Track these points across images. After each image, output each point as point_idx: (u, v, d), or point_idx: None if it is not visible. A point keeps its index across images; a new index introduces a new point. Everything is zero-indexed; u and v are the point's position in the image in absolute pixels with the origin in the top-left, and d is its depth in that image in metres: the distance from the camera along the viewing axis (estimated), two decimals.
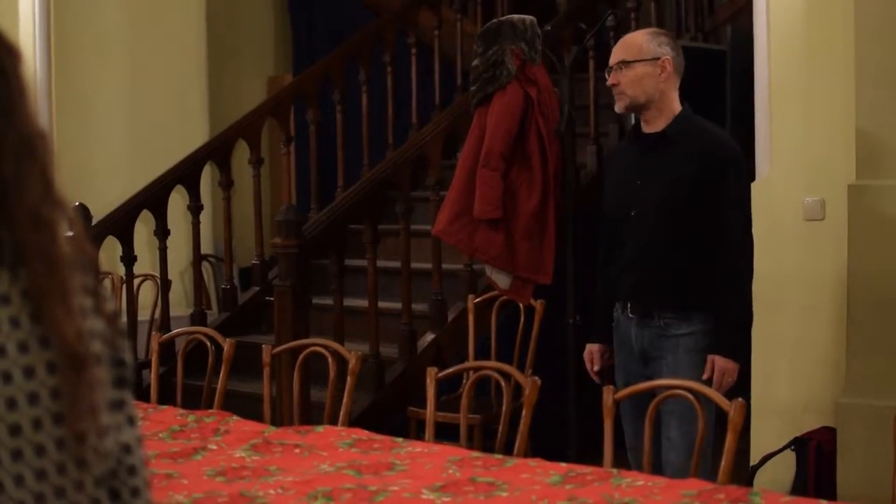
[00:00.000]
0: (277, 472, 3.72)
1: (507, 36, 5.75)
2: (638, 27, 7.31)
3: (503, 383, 4.35)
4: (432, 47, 8.53)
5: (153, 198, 7.22)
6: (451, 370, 4.47)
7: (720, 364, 4.48)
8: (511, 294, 5.86)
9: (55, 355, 1.50)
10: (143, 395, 5.80)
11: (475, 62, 5.88)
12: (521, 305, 6.10)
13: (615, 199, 4.75)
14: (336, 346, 4.74)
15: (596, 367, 4.82)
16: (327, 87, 8.17)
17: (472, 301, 6.30)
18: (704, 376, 4.45)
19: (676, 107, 4.65)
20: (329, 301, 6.25)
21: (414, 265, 6.49)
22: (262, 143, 7.80)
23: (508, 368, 4.32)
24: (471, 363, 4.48)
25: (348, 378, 4.55)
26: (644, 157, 4.68)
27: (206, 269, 8.26)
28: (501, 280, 5.76)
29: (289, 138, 7.89)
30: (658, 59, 4.62)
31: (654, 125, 4.66)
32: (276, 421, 4.77)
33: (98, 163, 7.98)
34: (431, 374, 4.33)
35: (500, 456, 3.91)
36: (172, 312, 7.27)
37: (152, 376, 5.10)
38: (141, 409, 4.56)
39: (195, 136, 8.30)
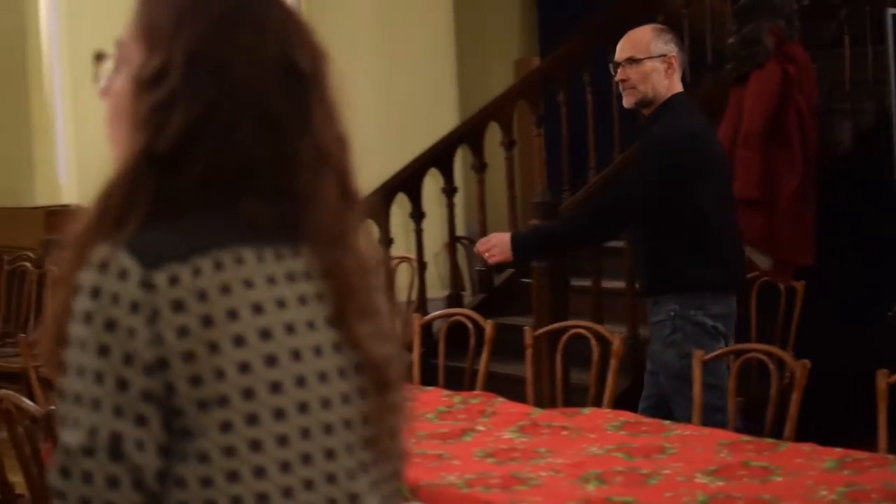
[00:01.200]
0: (547, 455, 3.73)
1: (764, 13, 5.66)
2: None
3: (771, 366, 4.28)
4: (681, 26, 8.42)
5: (408, 181, 7.32)
6: (718, 352, 4.42)
7: (499, 237, 4.79)
8: (772, 275, 5.77)
9: (348, 361, 1.56)
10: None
11: (731, 40, 5.81)
12: (781, 286, 5.98)
13: None
14: (598, 327, 4.74)
15: None
16: (576, 68, 8.14)
17: None
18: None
19: None
20: (585, 283, 6.24)
21: None
22: (513, 125, 7.82)
23: (777, 351, 4.25)
24: (738, 345, 4.42)
25: (612, 360, 4.54)
26: None
27: (458, 251, 8.32)
28: (762, 261, 5.68)
29: (539, 120, 7.90)
30: (665, 55, 4.73)
31: None
32: (538, 403, 4.79)
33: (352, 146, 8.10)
34: (698, 357, 4.29)
35: (771, 440, 3.86)
36: (427, 294, 7.36)
37: (414, 357, 5.18)
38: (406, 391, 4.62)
39: (445, 118, 8.37)
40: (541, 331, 4.85)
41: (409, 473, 3.49)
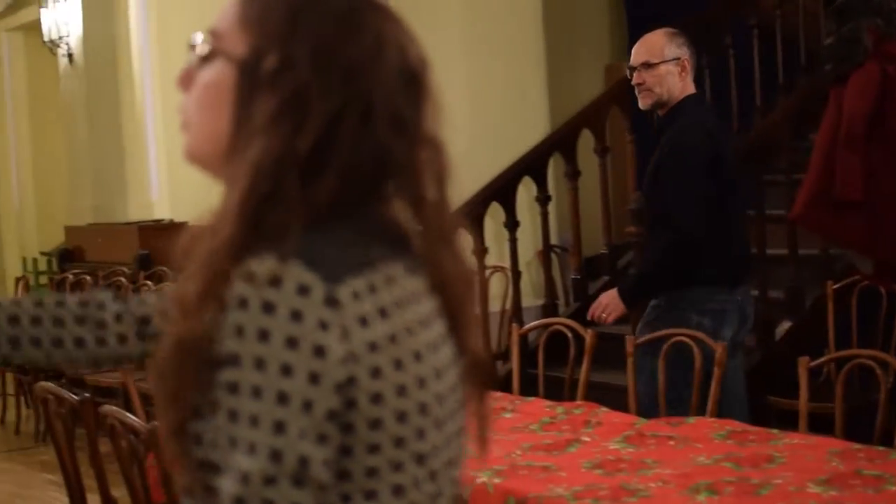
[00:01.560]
0: (654, 465, 3.68)
1: (862, 12, 5.56)
2: None
3: (879, 371, 4.20)
4: (774, 27, 8.33)
5: (502, 190, 7.30)
6: (824, 359, 4.35)
7: (607, 296, 4.99)
8: (874, 279, 5.67)
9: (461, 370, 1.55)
10: (497, 384, 5.86)
11: (828, 40, 5.71)
12: (883, 290, 5.89)
13: None
14: (700, 334, 4.67)
15: None
16: None
17: (831, 287, 6.10)
18: None
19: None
20: None
21: (768, 251, 6.35)
22: (606, 132, 7.76)
23: (885, 356, 4.16)
24: (844, 352, 4.34)
25: (714, 368, 4.48)
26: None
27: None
28: (864, 264, 5.58)
29: (632, 126, 7.83)
30: (679, 58, 4.97)
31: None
32: (640, 412, 4.73)
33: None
34: (804, 364, 4.21)
35: (882, 448, 3.77)
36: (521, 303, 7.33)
37: (514, 368, 5.15)
38: (508, 401, 4.61)
39: (536, 126, 8.34)
40: (642, 339, 4.80)
41: (518, 485, 3.48)
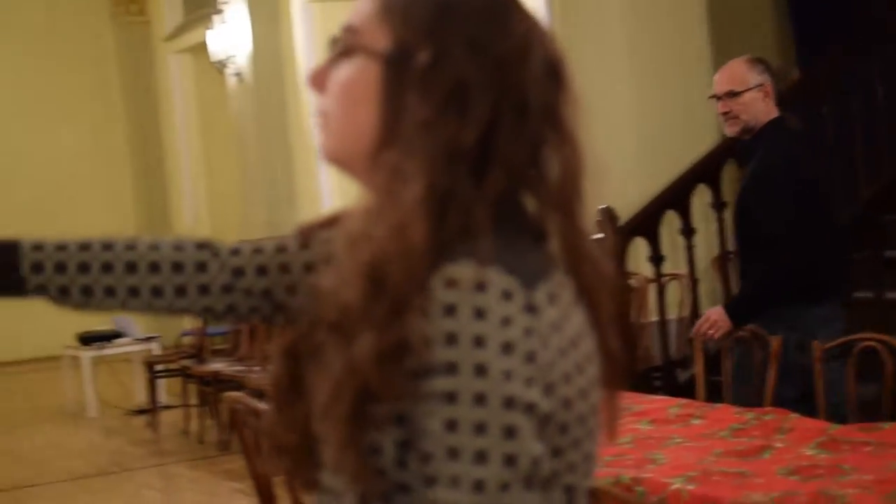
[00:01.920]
0: (852, 471, 3.64)
1: None
2: None
3: None
4: None
5: (676, 197, 7.28)
6: None
7: (715, 312, 5.09)
8: None
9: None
10: (677, 391, 5.87)
11: None
12: None
13: None
14: (891, 339, 4.62)
15: None
16: (839, 80, 7.95)
17: None
18: None
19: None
20: (868, 294, 6.10)
21: None
22: None
23: None
24: None
25: None
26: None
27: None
28: None
29: None
30: (762, 84, 5.08)
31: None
32: (829, 417, 4.68)
33: (610, 164, 8.07)
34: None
35: None
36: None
37: (699, 375, 5.15)
38: (695, 408, 4.61)
39: (703, 133, 8.28)
40: (829, 344, 4.76)
41: (713, 491, 3.48)
